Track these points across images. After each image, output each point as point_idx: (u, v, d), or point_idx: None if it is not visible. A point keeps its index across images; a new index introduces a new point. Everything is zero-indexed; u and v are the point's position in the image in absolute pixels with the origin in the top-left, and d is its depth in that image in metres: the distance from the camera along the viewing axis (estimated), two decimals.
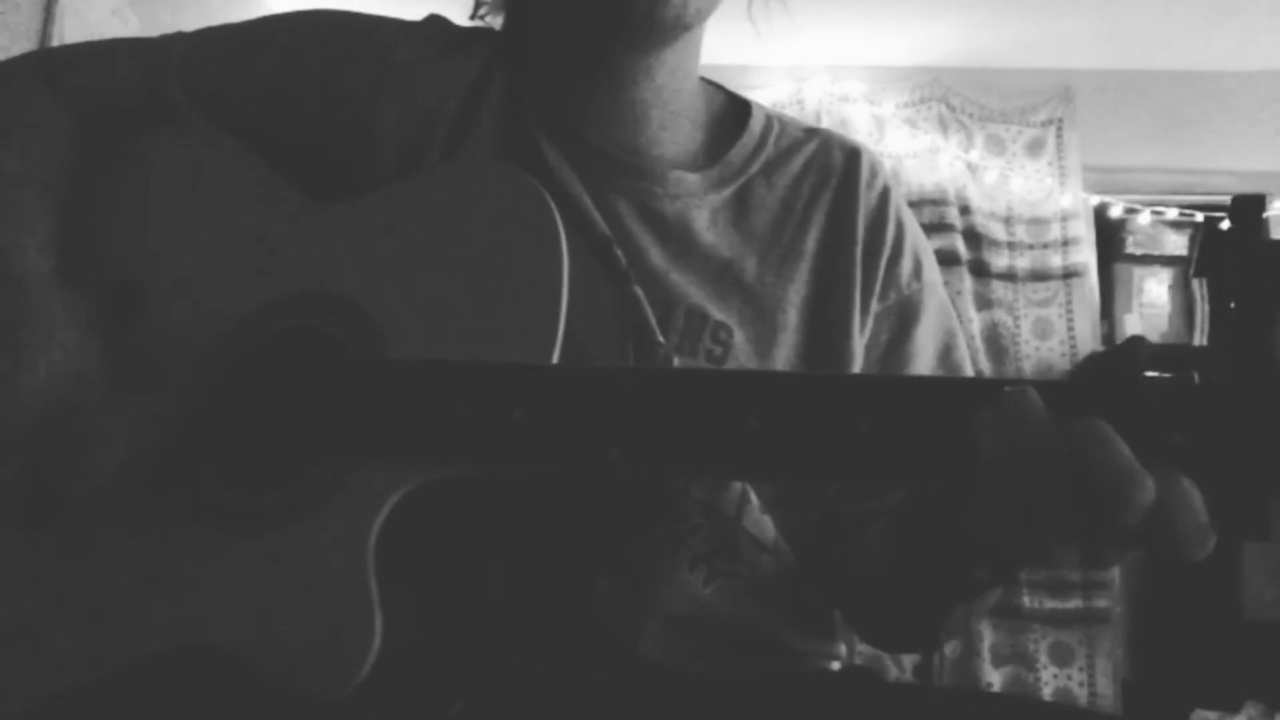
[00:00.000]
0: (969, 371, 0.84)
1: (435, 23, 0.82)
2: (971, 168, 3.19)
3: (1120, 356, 0.52)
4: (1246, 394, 0.46)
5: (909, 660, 2.80)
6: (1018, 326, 3.15)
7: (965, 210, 3.17)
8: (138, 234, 0.72)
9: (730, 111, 0.84)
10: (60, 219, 0.70)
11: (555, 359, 0.56)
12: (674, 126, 0.79)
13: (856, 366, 0.76)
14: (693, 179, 0.77)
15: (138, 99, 0.77)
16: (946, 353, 0.81)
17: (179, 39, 0.80)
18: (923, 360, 0.80)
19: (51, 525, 0.64)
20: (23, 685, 0.61)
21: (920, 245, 0.82)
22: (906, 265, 0.80)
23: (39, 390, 0.62)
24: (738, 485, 0.70)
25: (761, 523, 0.72)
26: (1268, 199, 3.02)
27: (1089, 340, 3.16)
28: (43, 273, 0.66)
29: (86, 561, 0.63)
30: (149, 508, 0.63)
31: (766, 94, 3.11)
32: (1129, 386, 0.48)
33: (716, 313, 0.73)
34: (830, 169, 0.81)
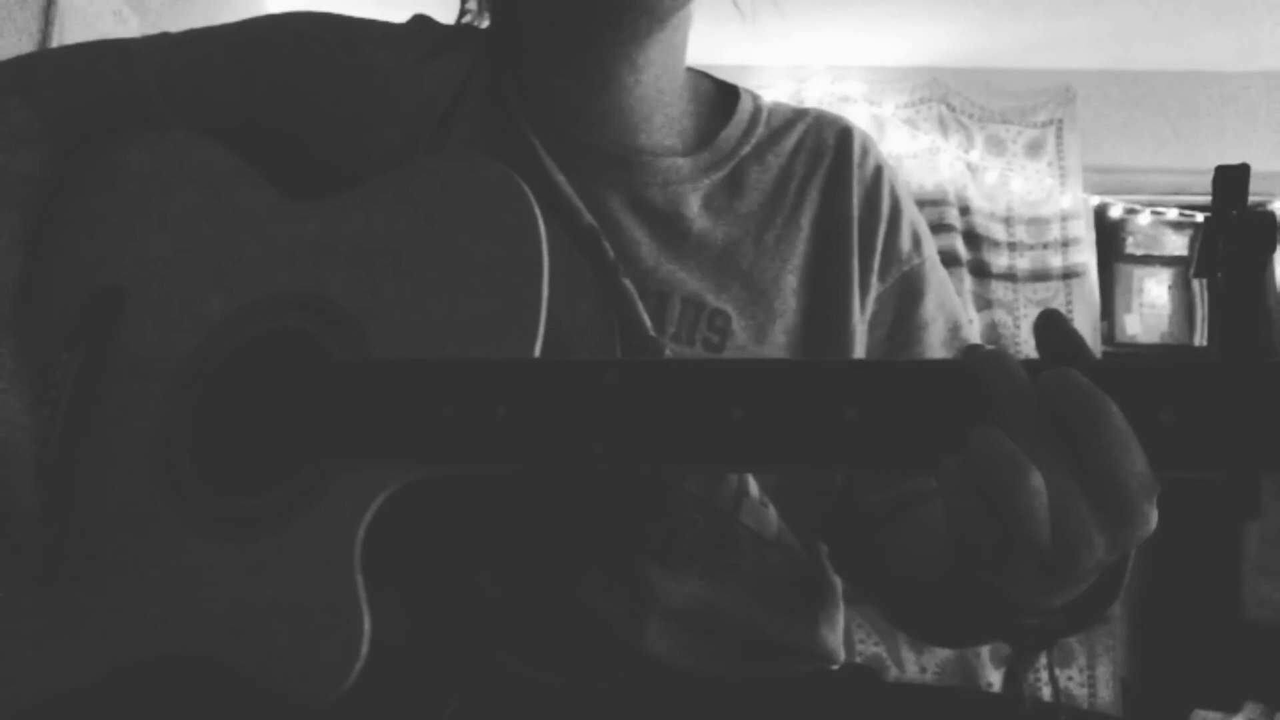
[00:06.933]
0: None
1: (419, 23, 0.82)
2: (971, 168, 3.19)
3: (1045, 336, 0.50)
4: (1236, 370, 0.45)
5: (914, 663, 2.80)
6: (1018, 327, 3.15)
7: (965, 211, 3.17)
8: (120, 237, 0.72)
9: (718, 97, 0.84)
10: (27, 258, 0.72)
11: (537, 353, 0.56)
12: (662, 116, 0.78)
13: (858, 346, 0.75)
14: (684, 164, 0.76)
15: (118, 103, 0.78)
16: (955, 329, 0.80)
17: (161, 42, 0.80)
18: (935, 331, 0.78)
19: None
20: (11, 690, 0.61)
21: (918, 221, 0.82)
22: (905, 240, 0.79)
23: None
24: (733, 479, 0.69)
25: (762, 516, 0.71)
26: (1267, 200, 3.01)
27: (1089, 340, 3.13)
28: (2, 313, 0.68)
29: (72, 567, 0.63)
30: (133, 513, 0.63)
31: (766, 94, 3.08)
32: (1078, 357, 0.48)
33: (713, 300, 0.72)
34: (822, 148, 0.80)
